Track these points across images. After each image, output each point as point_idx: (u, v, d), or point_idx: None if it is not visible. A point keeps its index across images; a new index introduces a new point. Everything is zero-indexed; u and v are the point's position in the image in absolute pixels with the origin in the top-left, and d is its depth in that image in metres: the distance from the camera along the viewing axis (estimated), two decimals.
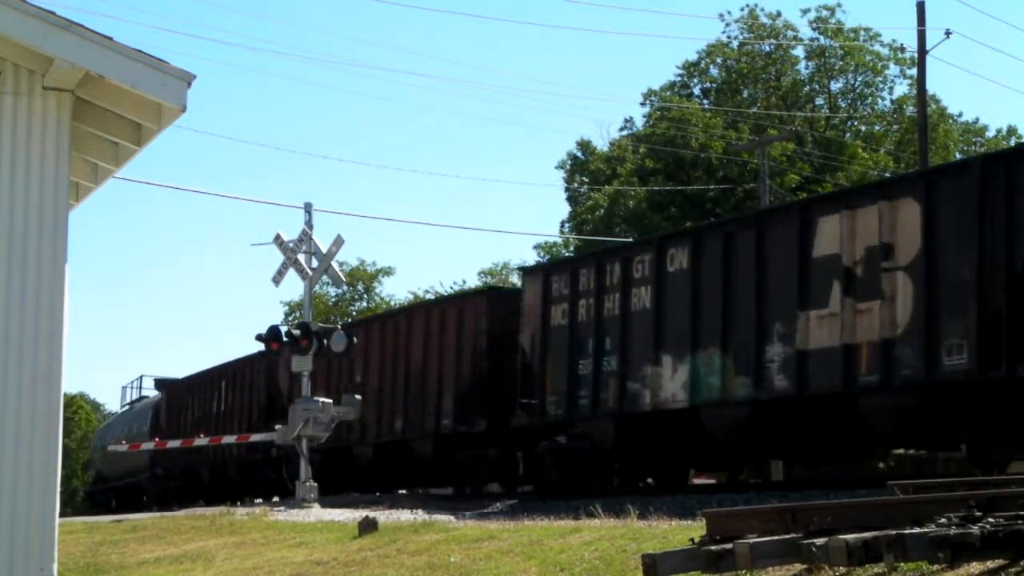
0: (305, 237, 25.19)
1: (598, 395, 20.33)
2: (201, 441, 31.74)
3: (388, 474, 27.46)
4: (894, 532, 7.89)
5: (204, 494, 32.63)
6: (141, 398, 45.82)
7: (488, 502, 21.25)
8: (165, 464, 36.94)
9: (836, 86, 54.76)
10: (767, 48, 54.37)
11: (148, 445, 33.06)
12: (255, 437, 28.47)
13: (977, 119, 56.53)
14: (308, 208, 25.54)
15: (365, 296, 62.67)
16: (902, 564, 8.28)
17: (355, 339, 25.36)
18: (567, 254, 54.12)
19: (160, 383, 41.71)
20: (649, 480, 21.62)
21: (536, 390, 21.52)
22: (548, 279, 21.78)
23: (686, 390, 18.93)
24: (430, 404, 24.36)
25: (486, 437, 23.33)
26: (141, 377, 48.77)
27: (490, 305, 23.61)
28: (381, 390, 25.93)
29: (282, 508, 22.21)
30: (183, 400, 36.99)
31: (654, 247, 19.98)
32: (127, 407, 46.63)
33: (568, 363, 20.88)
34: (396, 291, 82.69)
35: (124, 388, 50.99)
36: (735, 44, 54.84)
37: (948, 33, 37.44)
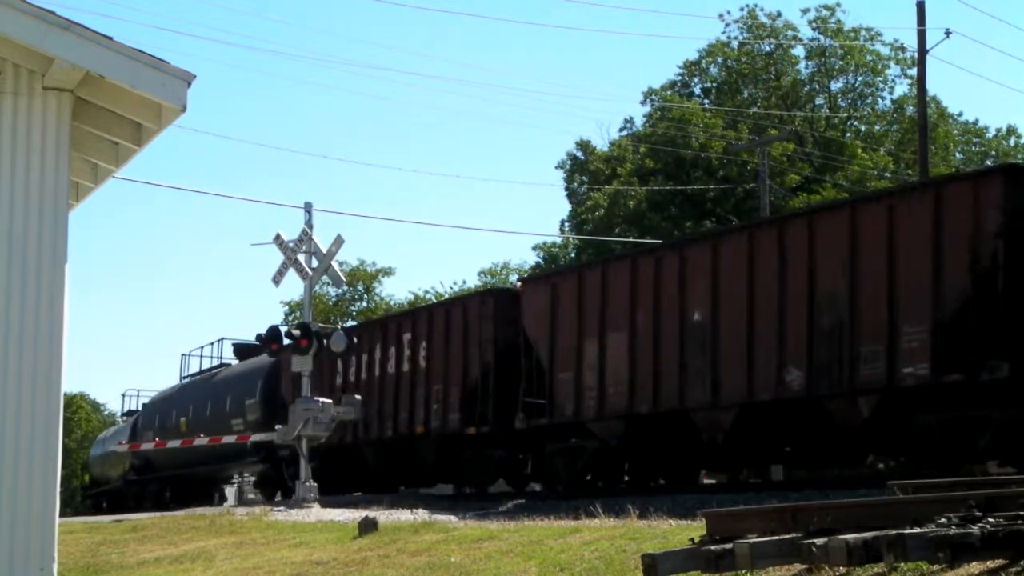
0: (305, 237, 25.21)
1: None
2: (187, 442, 30.88)
3: (760, 449, 19.95)
4: (894, 532, 7.89)
5: (364, 481, 27.13)
6: (220, 366, 38.92)
7: (490, 503, 21.15)
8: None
9: (836, 86, 54.77)
10: (767, 48, 54.37)
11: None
12: (256, 437, 28.21)
13: (977, 119, 56.74)
14: (308, 208, 25.59)
15: (365, 296, 62.61)
16: (902, 564, 8.28)
17: (355, 339, 25.38)
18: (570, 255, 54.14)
19: (242, 347, 35.75)
20: None
21: None
22: None
23: None
24: (874, 340, 16.47)
25: (999, 390, 15.32)
26: (222, 340, 40.84)
27: (1007, 186, 15.44)
28: (733, 330, 18.54)
29: (282, 508, 22.22)
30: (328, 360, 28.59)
31: None
32: (188, 378, 40.20)
33: None
34: (396, 291, 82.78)
35: (184, 356, 43.12)
36: (735, 44, 54.86)
37: (948, 33, 37.30)
